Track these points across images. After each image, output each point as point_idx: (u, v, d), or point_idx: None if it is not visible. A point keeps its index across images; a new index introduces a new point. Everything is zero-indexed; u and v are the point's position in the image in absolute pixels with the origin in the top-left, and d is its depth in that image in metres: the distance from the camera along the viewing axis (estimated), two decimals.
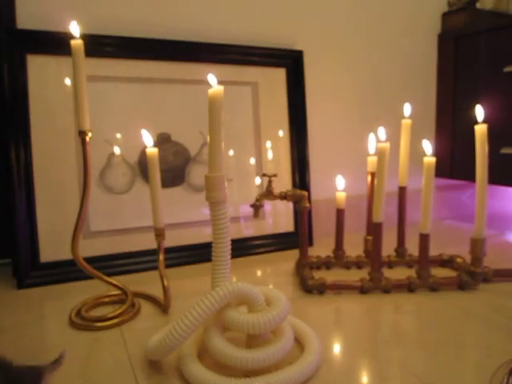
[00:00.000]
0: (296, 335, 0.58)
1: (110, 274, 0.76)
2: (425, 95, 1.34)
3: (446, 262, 0.93)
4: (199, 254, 0.97)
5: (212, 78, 0.50)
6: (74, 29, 0.63)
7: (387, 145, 0.79)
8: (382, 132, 0.82)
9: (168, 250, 0.86)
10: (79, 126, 0.65)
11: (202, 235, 0.98)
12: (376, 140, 0.91)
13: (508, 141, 1.12)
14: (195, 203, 1.00)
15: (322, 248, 0.98)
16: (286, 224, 1.09)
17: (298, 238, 0.88)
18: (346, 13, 1.19)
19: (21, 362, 0.43)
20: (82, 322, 0.66)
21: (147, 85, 0.95)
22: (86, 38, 0.64)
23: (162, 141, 0.96)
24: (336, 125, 1.21)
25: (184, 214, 0.98)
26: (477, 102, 0.79)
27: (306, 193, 0.85)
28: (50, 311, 0.75)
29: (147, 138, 0.70)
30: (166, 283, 0.71)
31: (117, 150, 0.92)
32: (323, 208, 1.12)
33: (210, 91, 0.49)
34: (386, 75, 1.27)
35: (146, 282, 0.84)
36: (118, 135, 0.93)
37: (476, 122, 0.78)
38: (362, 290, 0.79)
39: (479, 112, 0.77)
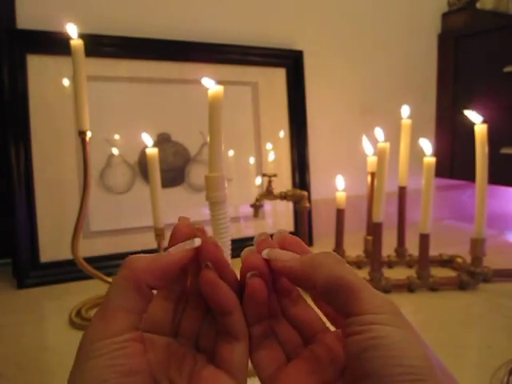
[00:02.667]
0: None
1: (109, 274, 0.76)
2: (425, 95, 1.34)
3: (446, 262, 0.93)
4: None
5: (207, 81, 0.49)
6: (72, 31, 0.63)
7: (387, 145, 0.80)
8: (379, 133, 0.82)
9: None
10: (79, 126, 0.65)
11: None
12: (375, 141, 0.91)
13: (508, 141, 1.12)
14: (195, 203, 0.99)
15: (321, 248, 0.98)
16: (286, 224, 1.09)
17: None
18: (346, 13, 1.19)
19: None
20: (82, 321, 0.66)
21: (147, 85, 0.95)
22: (85, 37, 0.64)
23: (162, 141, 0.96)
24: (336, 124, 1.21)
25: (184, 214, 0.98)
26: (477, 102, 0.78)
27: (305, 193, 0.85)
28: (50, 311, 0.75)
29: (147, 140, 0.70)
30: None
31: (116, 150, 0.92)
32: (323, 208, 1.12)
33: (210, 91, 0.49)
34: (386, 75, 1.27)
35: None
36: (118, 135, 0.93)
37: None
38: None
39: (471, 116, 0.78)
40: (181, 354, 0.25)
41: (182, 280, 0.26)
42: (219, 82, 0.49)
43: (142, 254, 0.24)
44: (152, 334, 0.25)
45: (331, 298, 0.23)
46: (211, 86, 0.49)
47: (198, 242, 0.25)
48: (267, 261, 0.25)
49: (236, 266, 0.25)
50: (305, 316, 0.27)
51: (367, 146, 0.94)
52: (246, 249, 0.25)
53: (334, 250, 0.93)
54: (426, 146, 0.80)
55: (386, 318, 0.21)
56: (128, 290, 0.22)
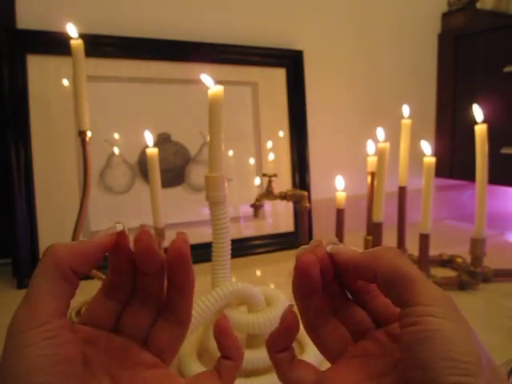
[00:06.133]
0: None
1: None
2: (425, 95, 1.34)
3: (446, 262, 0.93)
4: (199, 254, 0.96)
5: (206, 78, 0.49)
6: (71, 30, 0.63)
7: (387, 145, 0.80)
8: (380, 133, 0.82)
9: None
10: (79, 126, 0.65)
11: (202, 235, 0.98)
12: (375, 141, 0.91)
13: (508, 141, 1.12)
14: (195, 203, 0.99)
15: None
16: (286, 224, 1.09)
17: (297, 237, 0.88)
18: (346, 13, 1.19)
19: None
20: None
21: (147, 85, 0.95)
22: (85, 38, 0.64)
23: (162, 141, 0.96)
24: (336, 124, 1.21)
25: (184, 214, 0.98)
26: (477, 102, 0.78)
27: (305, 193, 0.85)
28: None
29: (149, 138, 0.70)
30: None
31: (116, 150, 0.92)
32: (323, 208, 1.12)
33: (210, 91, 0.49)
34: (386, 75, 1.27)
35: None
36: (118, 135, 0.93)
37: (476, 122, 0.78)
38: None
39: (477, 111, 0.77)
40: (124, 350, 0.25)
41: (127, 278, 0.27)
42: (219, 82, 0.49)
43: (64, 242, 0.24)
44: (94, 328, 0.25)
45: (389, 289, 0.24)
46: (209, 82, 0.49)
47: (119, 226, 0.26)
48: (331, 256, 0.26)
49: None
50: (355, 316, 0.27)
51: (370, 147, 0.94)
52: (300, 248, 0.27)
53: None
54: (426, 147, 0.80)
55: (440, 311, 0.22)
56: (52, 276, 0.22)
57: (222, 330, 0.26)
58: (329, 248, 0.26)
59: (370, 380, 0.24)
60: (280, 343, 0.26)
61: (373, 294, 0.27)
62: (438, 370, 0.20)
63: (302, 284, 0.26)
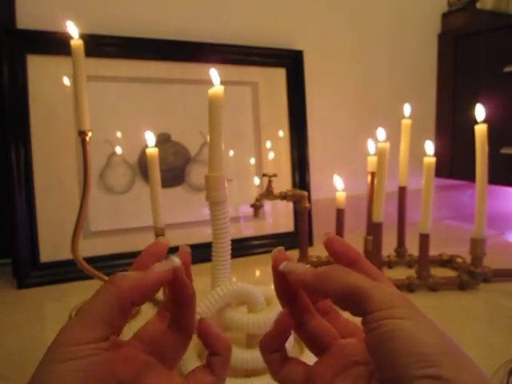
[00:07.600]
0: None
1: (109, 274, 0.76)
2: (425, 95, 1.34)
3: (446, 262, 0.93)
4: (199, 254, 0.96)
5: (214, 73, 0.49)
6: (71, 28, 0.63)
7: (387, 145, 0.80)
8: (381, 133, 0.82)
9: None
10: (79, 126, 0.65)
11: (202, 235, 0.98)
12: (375, 141, 0.91)
13: (508, 141, 1.12)
14: (195, 203, 0.99)
15: (322, 248, 0.97)
16: (286, 224, 1.09)
17: (297, 237, 0.88)
18: (346, 13, 1.19)
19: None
20: None
21: (147, 85, 0.95)
22: (85, 38, 0.64)
23: (162, 141, 0.96)
24: (336, 124, 1.21)
25: (184, 214, 0.98)
26: (477, 102, 0.78)
27: (305, 193, 0.85)
28: (50, 311, 0.75)
29: (150, 138, 0.70)
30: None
31: (117, 150, 0.92)
32: (323, 208, 1.12)
33: (210, 91, 0.49)
34: (386, 75, 1.27)
35: None
36: (118, 135, 0.93)
37: (476, 122, 0.78)
38: None
39: (479, 111, 0.77)
40: (130, 356, 0.26)
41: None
42: (219, 82, 0.49)
43: (128, 272, 0.26)
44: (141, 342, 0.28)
45: (345, 305, 0.25)
46: (215, 78, 0.49)
47: (177, 261, 0.27)
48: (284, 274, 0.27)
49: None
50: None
51: (370, 147, 0.94)
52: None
53: None
54: (429, 147, 0.80)
55: (397, 312, 0.22)
56: (113, 306, 0.24)
57: (204, 332, 0.28)
58: (281, 266, 0.27)
59: (349, 369, 0.26)
60: (273, 345, 0.28)
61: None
62: (405, 366, 0.21)
63: (280, 286, 0.28)
